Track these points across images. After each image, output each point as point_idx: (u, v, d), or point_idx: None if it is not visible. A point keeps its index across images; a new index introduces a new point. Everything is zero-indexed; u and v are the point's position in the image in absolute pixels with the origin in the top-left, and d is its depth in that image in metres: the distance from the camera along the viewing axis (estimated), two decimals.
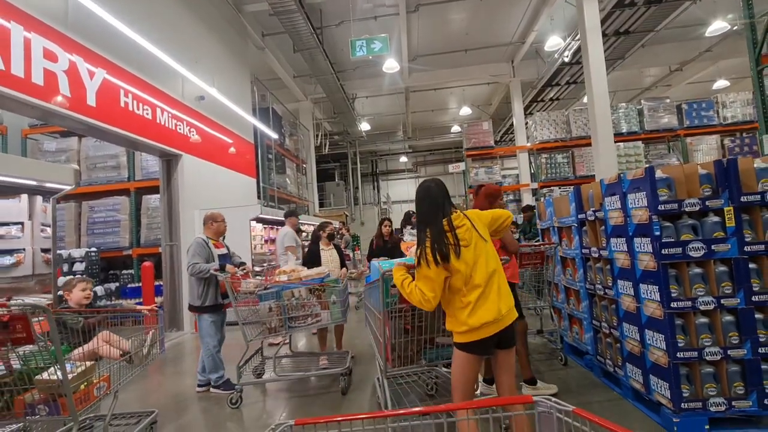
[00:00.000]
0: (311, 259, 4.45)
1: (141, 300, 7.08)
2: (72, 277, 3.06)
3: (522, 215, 9.35)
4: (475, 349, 1.85)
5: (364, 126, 16.83)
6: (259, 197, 9.58)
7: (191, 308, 3.73)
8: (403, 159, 23.55)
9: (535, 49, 12.16)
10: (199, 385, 3.75)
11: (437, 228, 1.89)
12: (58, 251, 7.74)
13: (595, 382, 3.32)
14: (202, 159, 6.95)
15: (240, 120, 8.43)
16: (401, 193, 23.64)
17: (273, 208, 9.64)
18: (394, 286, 2.26)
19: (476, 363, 1.89)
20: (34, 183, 2.75)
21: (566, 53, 10.36)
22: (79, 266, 7.43)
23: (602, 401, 2.98)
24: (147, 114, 5.56)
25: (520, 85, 13.35)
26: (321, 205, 18.37)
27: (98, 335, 2.60)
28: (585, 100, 14.08)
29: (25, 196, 2.78)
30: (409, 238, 5.11)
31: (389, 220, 5.27)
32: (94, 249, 7.69)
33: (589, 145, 9.52)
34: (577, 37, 9.34)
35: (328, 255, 4.51)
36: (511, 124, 17.51)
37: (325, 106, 15.12)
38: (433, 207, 1.95)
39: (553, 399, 1.04)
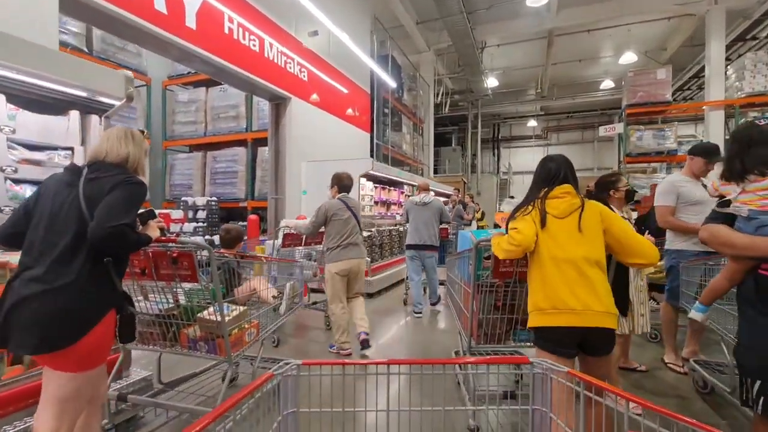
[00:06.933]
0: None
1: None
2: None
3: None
4: (547, 335, 1.65)
5: (491, 82, 14.66)
6: (371, 155, 8.70)
7: (434, 248, 4.71)
8: (532, 123, 20.50)
9: None
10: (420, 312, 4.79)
11: (533, 195, 1.92)
12: (184, 198, 8.08)
13: None
14: (313, 105, 6.18)
15: (356, 65, 7.47)
16: (524, 163, 20.67)
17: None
18: (487, 258, 2.18)
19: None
20: (82, 94, 2.03)
21: None
22: (201, 214, 7.61)
23: None
24: (254, 46, 4.87)
25: (725, 16, 9.62)
26: (435, 171, 17.04)
27: (253, 279, 2.77)
28: None
29: (75, 114, 2.10)
30: (506, 208, 5.05)
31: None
32: (214, 198, 7.80)
33: None
34: None
35: None
36: (690, 78, 13.41)
37: (449, 59, 13.43)
38: (544, 178, 1.93)
39: (549, 361, 1.08)
